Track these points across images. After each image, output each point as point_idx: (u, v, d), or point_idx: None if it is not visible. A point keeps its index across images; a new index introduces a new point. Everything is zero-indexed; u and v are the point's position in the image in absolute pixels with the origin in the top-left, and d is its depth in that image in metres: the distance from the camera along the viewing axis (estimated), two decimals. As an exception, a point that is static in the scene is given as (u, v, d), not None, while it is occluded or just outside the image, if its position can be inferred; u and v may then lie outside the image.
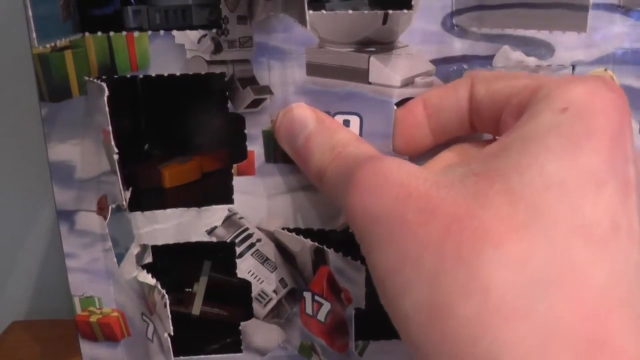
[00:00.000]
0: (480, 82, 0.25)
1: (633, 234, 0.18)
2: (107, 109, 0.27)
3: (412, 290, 0.19)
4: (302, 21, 0.26)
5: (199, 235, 0.32)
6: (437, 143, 0.28)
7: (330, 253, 0.30)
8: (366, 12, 0.28)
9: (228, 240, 0.32)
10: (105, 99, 0.27)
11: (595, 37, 0.29)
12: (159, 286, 0.31)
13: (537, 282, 0.17)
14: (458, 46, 0.29)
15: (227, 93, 0.29)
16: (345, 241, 0.31)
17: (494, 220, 0.18)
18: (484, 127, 0.26)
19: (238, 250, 0.32)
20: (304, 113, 0.28)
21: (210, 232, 0.32)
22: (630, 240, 0.18)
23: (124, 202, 0.29)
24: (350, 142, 0.26)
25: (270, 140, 0.30)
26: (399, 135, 0.29)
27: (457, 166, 0.21)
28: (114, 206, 0.29)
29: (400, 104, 0.29)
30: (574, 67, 0.29)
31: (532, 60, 0.29)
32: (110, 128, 0.27)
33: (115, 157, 0.28)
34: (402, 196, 0.20)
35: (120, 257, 0.30)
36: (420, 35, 0.28)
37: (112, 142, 0.27)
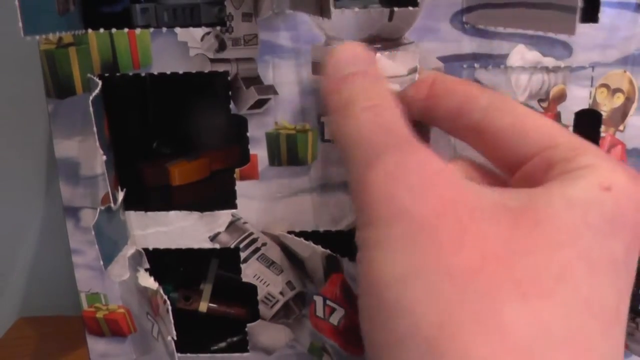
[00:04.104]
0: (506, 113, 0.23)
1: (622, 325, 0.19)
2: (91, 109, 0.26)
3: (417, 307, 0.18)
4: (325, 13, 0.25)
5: (202, 241, 0.32)
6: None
7: (345, 262, 0.30)
8: (372, 9, 0.27)
9: (232, 246, 0.32)
10: (91, 98, 0.26)
11: (615, 38, 0.28)
12: (162, 291, 0.30)
13: (550, 340, 0.17)
14: (468, 44, 0.28)
15: (230, 93, 0.29)
16: (353, 242, 0.31)
17: (528, 274, 0.18)
18: (483, 149, 0.24)
19: (243, 255, 0.32)
20: (362, 52, 0.25)
21: (213, 238, 0.32)
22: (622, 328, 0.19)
23: (113, 203, 0.29)
24: (389, 101, 0.23)
25: (274, 142, 0.30)
26: None
27: (487, 190, 0.20)
28: (102, 208, 0.29)
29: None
30: (593, 68, 0.28)
31: (549, 61, 0.28)
32: (95, 129, 0.27)
33: (103, 158, 0.27)
34: (442, 209, 0.19)
35: (108, 260, 0.29)
36: (428, 33, 0.28)
37: (97, 144, 0.27)
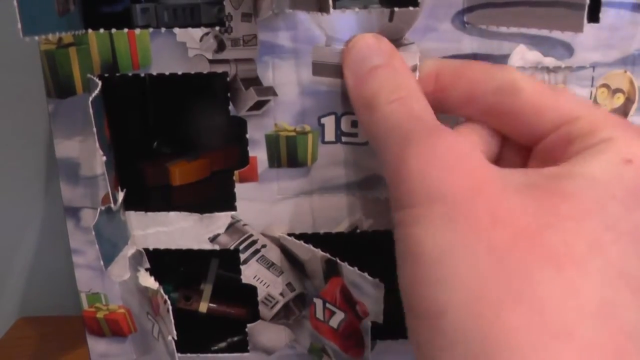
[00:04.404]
0: (518, 93, 0.24)
1: None
2: (91, 109, 0.26)
3: (457, 281, 0.19)
4: (324, 8, 0.25)
5: (202, 242, 0.32)
6: None
7: (344, 267, 0.30)
8: (373, 9, 0.27)
9: (232, 248, 0.32)
10: (91, 99, 0.26)
11: (616, 38, 0.27)
12: (162, 290, 0.30)
13: (583, 312, 0.18)
14: (469, 44, 0.28)
15: (229, 94, 0.29)
16: (354, 244, 0.31)
17: (560, 246, 0.19)
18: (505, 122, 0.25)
19: (242, 257, 0.32)
20: (382, 44, 0.26)
21: (213, 239, 0.32)
22: None
23: (113, 204, 0.29)
24: (415, 91, 0.25)
25: (274, 144, 0.30)
26: None
27: (511, 171, 0.21)
28: (102, 208, 0.29)
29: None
30: (593, 68, 0.28)
31: (549, 61, 0.28)
32: (94, 129, 0.27)
33: (103, 158, 0.27)
34: (475, 188, 0.20)
35: (108, 260, 0.29)
36: (428, 33, 0.27)
37: (97, 145, 0.27)
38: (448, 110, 0.26)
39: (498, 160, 0.25)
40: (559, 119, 0.23)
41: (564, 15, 0.26)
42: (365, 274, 0.29)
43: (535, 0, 0.26)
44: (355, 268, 0.29)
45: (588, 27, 0.27)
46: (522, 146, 0.25)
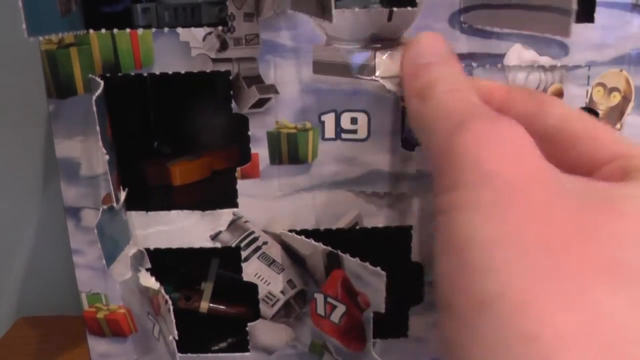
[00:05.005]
0: (580, 121, 0.24)
1: None
2: (94, 108, 0.27)
3: (505, 273, 0.18)
4: (326, 16, 0.25)
5: (203, 240, 0.32)
6: None
7: (346, 258, 0.30)
8: (372, 9, 0.27)
9: (233, 245, 0.32)
10: (95, 98, 0.27)
11: (611, 37, 0.28)
12: (163, 290, 0.31)
13: (625, 327, 0.16)
14: (466, 44, 0.28)
15: (231, 92, 0.29)
16: (354, 239, 0.31)
17: (613, 262, 0.17)
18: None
19: (244, 254, 0.32)
20: (442, 46, 0.26)
21: (214, 237, 0.32)
22: None
23: (116, 203, 0.29)
24: (472, 88, 0.24)
25: (275, 141, 0.30)
26: None
27: (568, 175, 0.20)
28: (105, 207, 0.29)
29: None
30: (589, 67, 0.29)
31: (545, 60, 0.29)
32: (98, 128, 0.27)
33: (106, 157, 0.28)
34: (532, 178, 0.19)
35: (110, 259, 0.29)
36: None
37: (101, 144, 0.27)
38: None
39: None
40: (617, 150, 0.22)
41: (552, 20, 0.26)
42: (367, 264, 0.29)
43: (527, 4, 0.27)
44: (357, 259, 0.30)
45: (583, 27, 0.28)
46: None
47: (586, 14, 0.28)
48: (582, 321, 0.16)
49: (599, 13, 0.28)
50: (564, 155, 0.23)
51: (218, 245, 0.32)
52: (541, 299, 0.17)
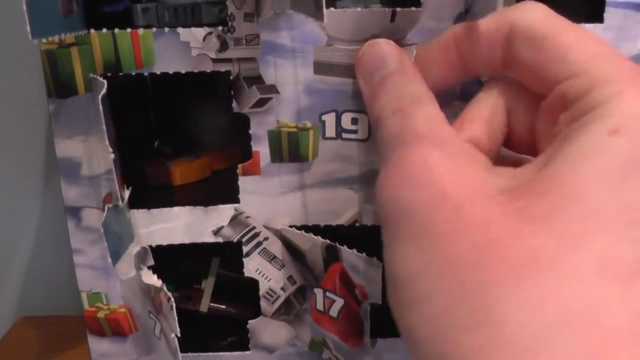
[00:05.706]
0: (526, 45, 0.21)
1: None
2: (101, 107, 0.27)
3: (425, 303, 0.18)
4: (318, 16, 0.25)
5: (205, 235, 0.32)
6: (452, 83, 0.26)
7: (344, 250, 0.30)
8: (374, 9, 0.27)
9: (235, 240, 0.32)
10: (101, 97, 0.27)
11: (620, 38, 0.28)
12: (165, 288, 0.31)
13: (551, 323, 0.16)
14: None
15: (232, 92, 0.29)
16: (354, 236, 0.31)
17: (523, 254, 0.17)
18: (521, 76, 0.22)
19: (245, 249, 0.32)
20: (389, 51, 0.25)
21: (216, 232, 0.32)
22: None
23: (120, 201, 0.29)
24: (420, 99, 0.23)
25: (276, 140, 0.30)
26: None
27: (492, 173, 0.20)
28: (110, 205, 0.29)
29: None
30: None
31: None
32: (104, 127, 0.27)
33: (111, 156, 0.28)
34: (436, 201, 0.19)
35: (116, 257, 0.30)
36: (431, 34, 0.28)
37: (107, 142, 0.27)
38: (476, 72, 0.24)
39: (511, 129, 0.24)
40: (575, 69, 0.20)
41: None
42: (363, 254, 0.30)
43: None
44: (354, 250, 0.30)
45: (592, 27, 0.28)
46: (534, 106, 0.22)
47: (595, 14, 0.28)
48: (490, 336, 0.16)
49: (608, 13, 0.28)
50: (529, 76, 0.22)
51: (220, 240, 0.32)
52: (453, 325, 0.17)
